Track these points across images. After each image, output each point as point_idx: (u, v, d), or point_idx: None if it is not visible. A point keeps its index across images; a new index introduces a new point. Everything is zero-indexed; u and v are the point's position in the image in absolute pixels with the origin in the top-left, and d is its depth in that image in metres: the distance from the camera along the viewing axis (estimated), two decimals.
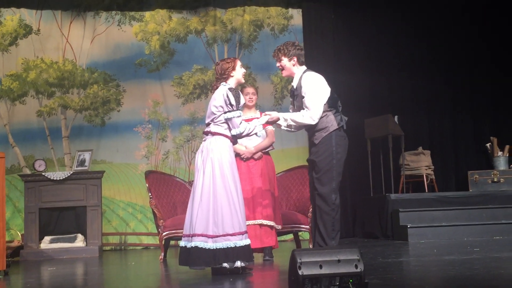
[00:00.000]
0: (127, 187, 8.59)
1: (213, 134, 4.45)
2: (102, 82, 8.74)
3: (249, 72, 8.89)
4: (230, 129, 4.46)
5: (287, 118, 4.65)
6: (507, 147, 8.64)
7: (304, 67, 4.77)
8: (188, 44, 8.95)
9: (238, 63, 4.58)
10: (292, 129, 4.78)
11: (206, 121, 4.54)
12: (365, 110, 8.73)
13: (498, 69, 9.08)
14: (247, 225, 5.12)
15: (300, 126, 4.71)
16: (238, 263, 4.30)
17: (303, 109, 4.62)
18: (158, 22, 8.91)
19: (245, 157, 5.54)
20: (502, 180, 8.23)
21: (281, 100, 8.98)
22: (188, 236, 4.34)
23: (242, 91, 5.68)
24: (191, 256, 4.28)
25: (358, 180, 8.68)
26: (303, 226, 6.02)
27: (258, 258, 5.66)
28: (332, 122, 4.59)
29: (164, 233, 5.99)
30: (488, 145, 8.82)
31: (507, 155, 8.61)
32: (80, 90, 8.70)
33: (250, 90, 5.70)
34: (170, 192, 6.43)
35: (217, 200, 4.31)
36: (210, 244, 4.26)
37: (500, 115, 9.17)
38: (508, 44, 9.07)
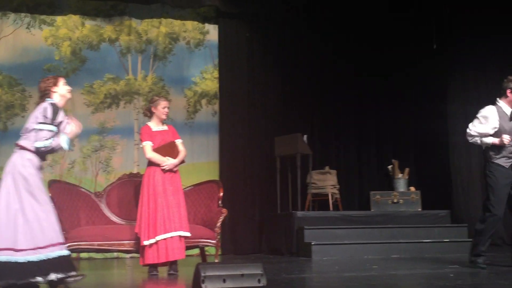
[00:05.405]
0: None
1: (21, 147, 4.31)
2: (7, 86, 8.35)
3: (162, 84, 8.83)
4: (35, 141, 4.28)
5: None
6: (407, 169, 9.09)
7: None
8: (100, 52, 8.75)
9: (62, 80, 4.49)
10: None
11: (20, 133, 4.38)
12: (276, 128, 8.87)
13: (401, 98, 9.50)
14: (159, 240, 5.16)
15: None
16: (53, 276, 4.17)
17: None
18: (70, 28, 8.67)
19: (167, 168, 5.49)
20: (401, 201, 8.62)
21: (194, 114, 8.96)
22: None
23: (158, 103, 5.64)
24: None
25: (266, 197, 8.80)
26: (210, 241, 6.02)
27: (163, 272, 5.59)
28: None
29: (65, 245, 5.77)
30: (389, 167, 9.23)
31: (407, 177, 9.05)
32: None
33: (166, 103, 5.70)
34: (74, 203, 6.22)
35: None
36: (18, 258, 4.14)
37: (402, 139, 9.62)
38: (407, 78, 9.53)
